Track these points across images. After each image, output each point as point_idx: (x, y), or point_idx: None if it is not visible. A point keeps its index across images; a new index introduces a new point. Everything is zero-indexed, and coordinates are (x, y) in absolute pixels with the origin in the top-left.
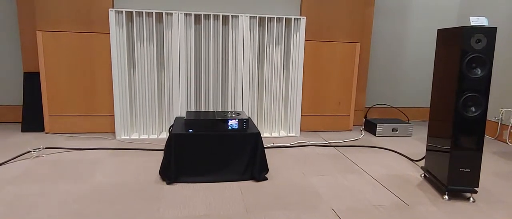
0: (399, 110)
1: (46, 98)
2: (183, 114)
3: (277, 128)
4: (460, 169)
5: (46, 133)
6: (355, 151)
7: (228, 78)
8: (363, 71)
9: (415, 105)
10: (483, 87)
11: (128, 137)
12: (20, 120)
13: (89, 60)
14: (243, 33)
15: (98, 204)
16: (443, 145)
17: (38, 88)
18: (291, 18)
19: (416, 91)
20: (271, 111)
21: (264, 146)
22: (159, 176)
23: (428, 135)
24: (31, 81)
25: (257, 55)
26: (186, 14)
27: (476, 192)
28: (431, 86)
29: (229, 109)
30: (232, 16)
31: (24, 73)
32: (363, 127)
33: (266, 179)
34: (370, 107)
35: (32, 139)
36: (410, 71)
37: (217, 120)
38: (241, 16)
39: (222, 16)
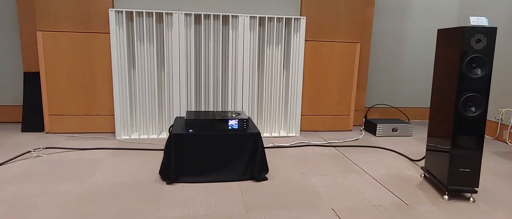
0: (399, 110)
1: (46, 98)
2: (183, 114)
3: (277, 128)
4: (460, 169)
5: (46, 133)
6: (355, 151)
7: (228, 78)
8: (363, 71)
9: (415, 105)
10: (483, 87)
11: (128, 137)
12: (20, 120)
13: (89, 60)
14: (243, 33)
15: (98, 204)
16: (443, 145)
17: (38, 88)
18: (291, 18)
19: (416, 91)
20: (271, 111)
21: (264, 146)
22: (159, 176)
23: (428, 135)
24: (31, 81)
25: (257, 55)
26: (186, 14)
27: (476, 192)
28: (431, 86)
29: (229, 109)
30: (232, 16)
31: (24, 73)
32: (363, 127)
33: (266, 179)
34: (370, 107)
35: (32, 139)
36: (410, 71)
37: (217, 120)
38: (241, 16)
39: (222, 16)
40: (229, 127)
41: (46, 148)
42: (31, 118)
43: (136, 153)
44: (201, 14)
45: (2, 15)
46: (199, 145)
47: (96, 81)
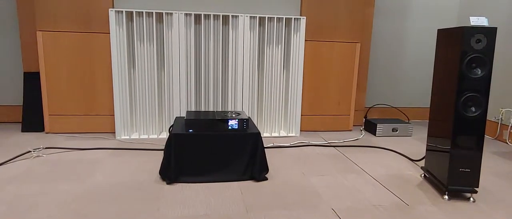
0: (399, 110)
1: (46, 98)
2: (183, 114)
3: (277, 128)
4: (460, 169)
5: (46, 133)
6: (355, 151)
7: (228, 78)
8: (363, 71)
9: (415, 105)
10: (483, 87)
11: (128, 137)
12: (20, 120)
13: (89, 60)
14: (243, 33)
15: (98, 204)
16: (443, 145)
17: (38, 88)
18: (291, 18)
19: (416, 91)
20: (271, 111)
21: (264, 146)
22: (159, 176)
23: (428, 135)
24: (31, 81)
25: (257, 55)
26: (186, 14)
27: (476, 192)
28: (431, 86)
29: (229, 109)
30: (232, 16)
31: (24, 73)
32: (363, 127)
33: (266, 179)
34: (370, 107)
35: (32, 139)
36: (410, 71)
37: (217, 120)
38: (241, 16)
39: (222, 16)
40: (229, 127)
41: (46, 148)
42: (31, 118)
43: (136, 153)
44: (201, 14)
45: (2, 15)
46: (199, 145)
47: (96, 81)
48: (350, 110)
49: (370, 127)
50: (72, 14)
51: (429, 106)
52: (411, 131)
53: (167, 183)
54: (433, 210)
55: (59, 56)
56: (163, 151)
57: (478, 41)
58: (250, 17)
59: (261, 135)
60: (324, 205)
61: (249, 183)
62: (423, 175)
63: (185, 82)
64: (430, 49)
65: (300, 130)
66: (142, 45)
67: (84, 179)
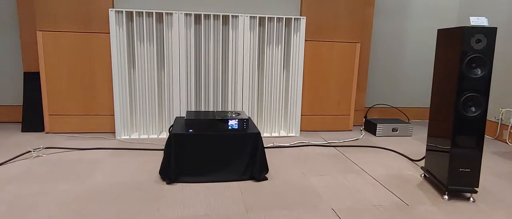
0: (399, 110)
1: (46, 98)
2: (183, 114)
3: (277, 128)
4: (460, 169)
5: (46, 133)
6: (355, 151)
7: (228, 78)
8: (363, 71)
9: (415, 105)
10: (483, 87)
11: (128, 137)
12: (20, 120)
13: (89, 60)
14: (243, 33)
15: (98, 204)
16: (443, 145)
17: (38, 88)
18: (291, 18)
19: (416, 91)
20: (271, 111)
21: (264, 146)
22: (159, 176)
23: (428, 135)
24: (31, 81)
25: (257, 55)
26: (186, 14)
27: (476, 192)
28: (431, 86)
29: (229, 109)
30: (232, 16)
31: (24, 73)
32: (363, 127)
33: (266, 179)
34: (370, 107)
35: (32, 139)
36: (410, 71)
37: (217, 120)
38: (241, 16)
39: (222, 16)
40: (229, 127)
41: (46, 148)
42: (31, 118)
43: (136, 153)
44: (201, 14)
45: (2, 15)
46: (199, 145)
47: (96, 81)
48: (350, 110)
49: (370, 127)
50: (72, 14)
51: (429, 106)
52: (411, 131)
53: (167, 183)
54: (433, 210)
55: (59, 56)
56: (163, 151)
57: (478, 41)
58: (250, 17)
59: (261, 135)
60: (324, 205)
61: (249, 183)
62: (423, 175)
63: (185, 82)
64: (430, 49)
65: (300, 130)
66: (142, 45)
67: (84, 179)
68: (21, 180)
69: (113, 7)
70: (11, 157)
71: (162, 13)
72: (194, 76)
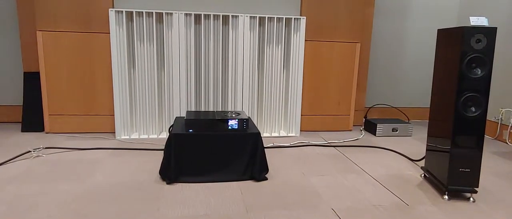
0: (399, 110)
1: (46, 98)
2: (183, 114)
3: (277, 128)
4: (460, 169)
5: (46, 133)
6: (355, 151)
7: (228, 78)
8: (363, 71)
9: (415, 105)
10: (483, 87)
11: (128, 137)
12: (20, 120)
13: (89, 60)
14: (243, 33)
15: (98, 204)
16: (443, 145)
17: (38, 88)
18: (291, 18)
19: (416, 91)
20: (271, 111)
21: (264, 146)
22: (159, 176)
23: (428, 135)
24: (31, 81)
25: (257, 55)
26: (186, 14)
27: (476, 192)
28: (431, 86)
29: (229, 109)
30: (232, 16)
31: (24, 73)
32: (363, 127)
33: (266, 179)
34: (370, 107)
35: (32, 139)
36: (410, 71)
37: (217, 120)
38: (241, 16)
39: (222, 16)
40: (229, 127)
41: (46, 148)
42: (31, 118)
43: (136, 153)
44: (201, 14)
45: (2, 15)
46: (199, 145)
47: (96, 81)
48: (350, 110)
49: (370, 127)
50: (72, 14)
51: (429, 106)
52: (411, 131)
53: (167, 183)
54: (433, 210)
55: (59, 56)
56: (163, 151)
57: (478, 41)
58: (250, 17)
59: (261, 135)
60: (324, 205)
61: (249, 183)
62: (423, 175)
63: (185, 82)
64: (430, 49)
65: (300, 130)
66: (142, 45)
67: (84, 179)
68: (21, 180)
69: (113, 7)
70: (11, 157)
71: (162, 13)
72: (194, 76)
